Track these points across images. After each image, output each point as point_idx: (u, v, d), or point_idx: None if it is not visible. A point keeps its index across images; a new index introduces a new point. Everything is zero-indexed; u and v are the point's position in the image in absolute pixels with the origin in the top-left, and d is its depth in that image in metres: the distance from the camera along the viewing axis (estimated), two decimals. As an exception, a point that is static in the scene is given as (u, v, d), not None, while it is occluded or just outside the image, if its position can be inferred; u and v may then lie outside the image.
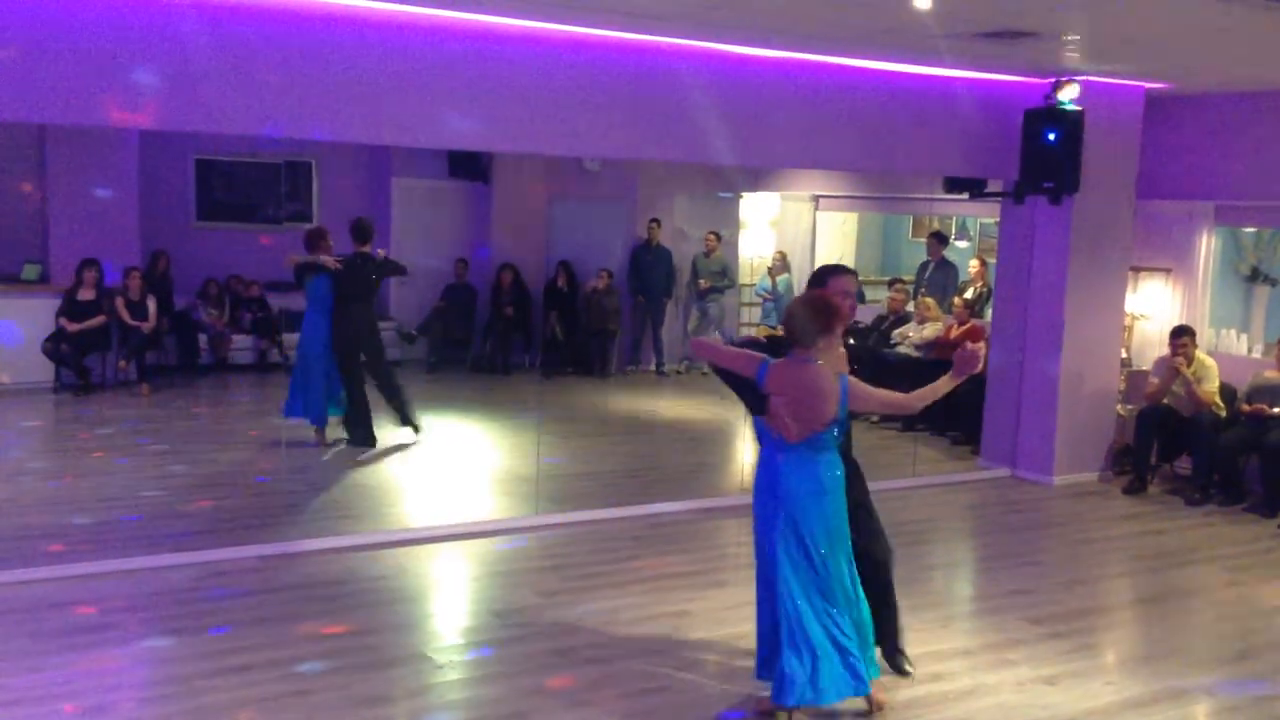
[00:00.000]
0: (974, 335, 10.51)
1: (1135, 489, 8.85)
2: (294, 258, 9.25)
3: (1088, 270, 8.88)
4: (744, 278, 14.37)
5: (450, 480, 8.66)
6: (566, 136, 7.19)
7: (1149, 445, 8.92)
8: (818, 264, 14.04)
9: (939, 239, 12.26)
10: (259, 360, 12.57)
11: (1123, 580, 7.14)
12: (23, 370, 11.02)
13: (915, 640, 5.64)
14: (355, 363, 9.18)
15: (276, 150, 13.25)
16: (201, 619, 5.64)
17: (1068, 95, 8.20)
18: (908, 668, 5.25)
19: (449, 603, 6.31)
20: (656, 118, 7.36)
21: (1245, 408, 8.60)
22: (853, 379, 4.63)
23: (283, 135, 6.54)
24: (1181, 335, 8.74)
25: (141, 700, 4.80)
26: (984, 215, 12.34)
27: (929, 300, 11.31)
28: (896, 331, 11.36)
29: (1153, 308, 9.77)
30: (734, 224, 14.49)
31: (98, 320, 11.13)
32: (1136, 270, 9.58)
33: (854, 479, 4.95)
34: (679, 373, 13.75)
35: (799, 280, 13.56)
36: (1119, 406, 9.42)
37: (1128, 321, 9.59)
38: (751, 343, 4.89)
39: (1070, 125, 8.26)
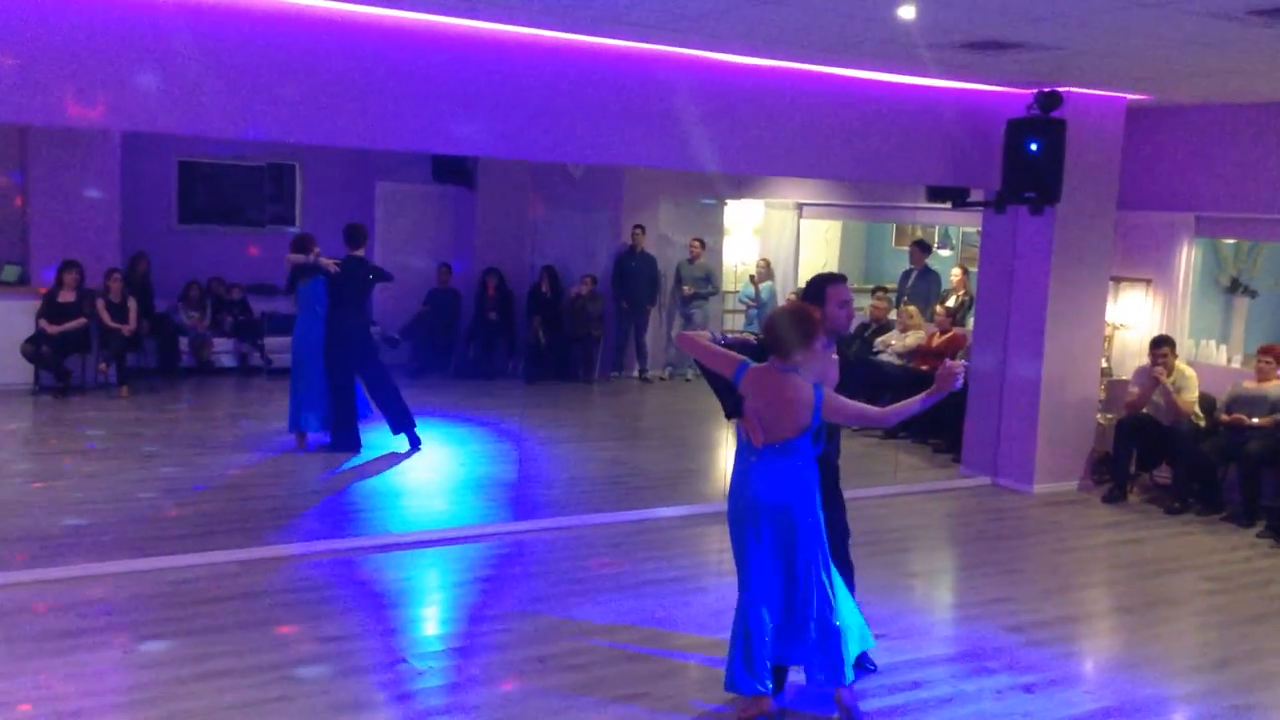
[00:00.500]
0: (956, 344, 10.57)
1: (1115, 498, 8.90)
2: (293, 258, 9.21)
3: (1069, 280, 8.93)
4: (727, 284, 14.41)
5: (433, 485, 8.64)
6: (552, 142, 7.19)
7: (1128, 454, 8.97)
8: (801, 271, 14.24)
9: (921, 247, 12.31)
10: (240, 364, 12.54)
11: (1102, 589, 7.18)
12: (2, 372, 10.96)
13: (895, 648, 5.66)
14: (347, 368, 9.15)
15: (260, 153, 13.21)
16: (181, 623, 5.61)
17: (1050, 106, 8.24)
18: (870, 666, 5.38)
19: (431, 608, 6.29)
20: (642, 124, 7.37)
21: (1224, 418, 8.66)
22: (828, 390, 4.65)
23: (269, 139, 6.52)
24: (1161, 345, 8.79)
25: (120, 705, 4.77)
26: (966, 224, 12.40)
27: (911, 308, 11.35)
28: (879, 340, 11.40)
29: (1133, 318, 9.83)
30: (718, 231, 14.52)
31: (78, 322, 11.07)
32: (1117, 280, 9.65)
33: (831, 486, 5.03)
34: (662, 379, 13.77)
35: (782, 288, 13.60)
36: (1099, 415, 9.48)
37: (1108, 331, 9.65)
38: (743, 344, 4.92)
39: (1052, 136, 8.29)
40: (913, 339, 11.02)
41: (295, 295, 9.29)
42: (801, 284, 13.95)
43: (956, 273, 11.82)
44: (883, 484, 9.16)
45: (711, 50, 7.40)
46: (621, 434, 11.47)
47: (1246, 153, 9.00)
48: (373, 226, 13.87)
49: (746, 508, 4.73)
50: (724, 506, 4.98)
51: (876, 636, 5.84)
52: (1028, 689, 5.34)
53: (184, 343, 12.25)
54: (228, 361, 12.52)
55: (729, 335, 4.97)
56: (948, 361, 4.78)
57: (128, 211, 12.00)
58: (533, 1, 5.98)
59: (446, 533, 7.31)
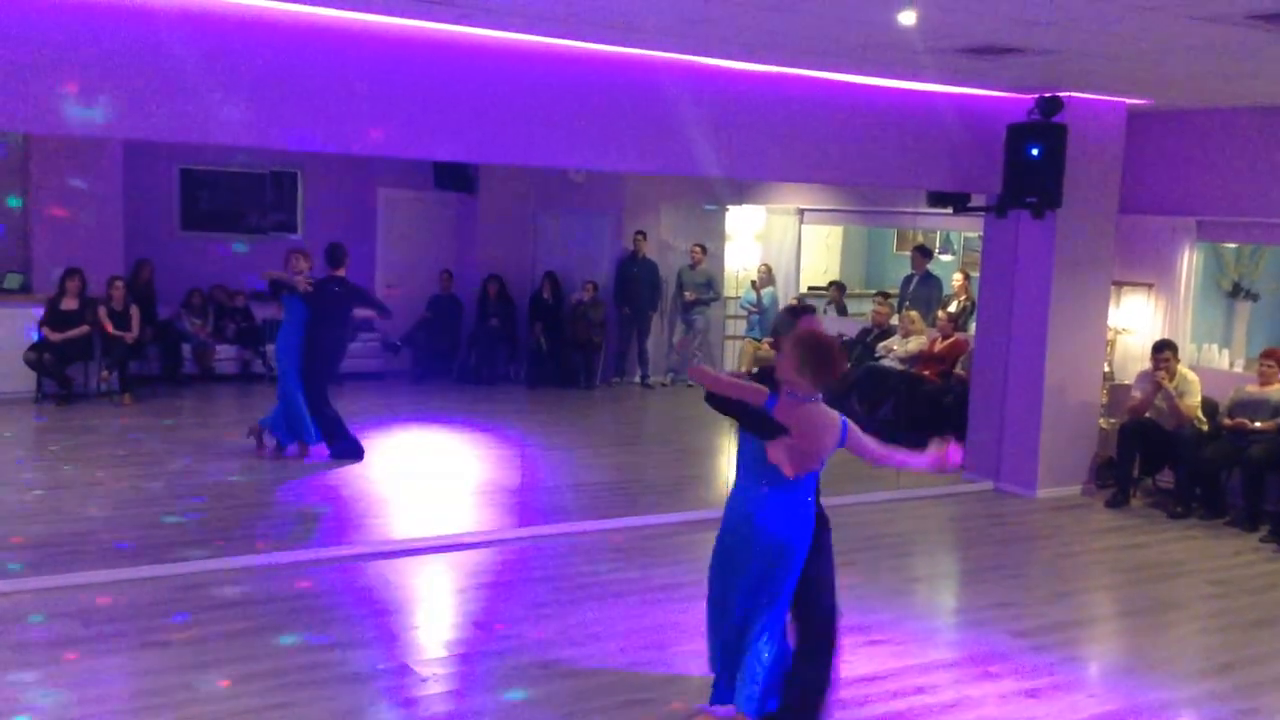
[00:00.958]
0: (958, 349, 10.57)
1: (1117, 502, 8.89)
2: (269, 273, 9.25)
3: (1071, 284, 8.93)
4: (729, 290, 14.41)
5: (434, 492, 8.64)
6: (553, 148, 7.20)
7: (1131, 459, 8.97)
8: (803, 276, 14.24)
9: (923, 253, 12.32)
10: (243, 370, 12.54)
11: (1105, 593, 7.17)
12: (4, 380, 10.97)
13: (899, 653, 5.66)
14: (323, 383, 9.13)
15: (262, 160, 13.22)
16: (184, 630, 5.61)
17: (1050, 111, 8.25)
18: None
19: (433, 615, 6.29)
20: (643, 130, 7.38)
21: (1227, 422, 8.65)
22: (852, 424, 4.44)
23: (269, 146, 6.52)
24: (1164, 350, 8.79)
25: (123, 712, 4.76)
26: (968, 229, 12.41)
27: (913, 314, 11.36)
28: (881, 345, 11.40)
29: (1135, 322, 9.83)
30: (719, 237, 14.53)
31: (81, 330, 11.08)
32: (1119, 285, 9.65)
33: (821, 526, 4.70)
34: (664, 385, 13.77)
35: (784, 293, 13.61)
36: (1101, 420, 9.47)
37: (1110, 336, 9.65)
38: (745, 376, 4.75)
39: (1053, 140, 8.31)
40: (914, 344, 11.02)
41: (280, 304, 9.28)
42: (804, 289, 14.06)
43: (958, 278, 11.82)
44: (885, 489, 9.15)
45: (713, 56, 7.41)
46: (623, 440, 11.47)
47: (1248, 157, 9.00)
48: (374, 233, 13.90)
49: (748, 535, 4.48)
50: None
51: (880, 642, 5.85)
52: (1032, 694, 5.33)
53: (186, 350, 12.26)
54: (230, 368, 12.52)
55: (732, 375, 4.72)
56: (951, 447, 4.54)
57: (130, 219, 12.01)
58: (532, 8, 5.99)
59: (449, 539, 7.31)
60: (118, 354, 11.24)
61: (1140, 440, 8.90)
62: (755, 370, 4.72)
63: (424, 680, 5.23)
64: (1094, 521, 8.53)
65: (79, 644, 5.40)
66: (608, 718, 4.91)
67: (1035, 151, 8.31)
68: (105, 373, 11.28)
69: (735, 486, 4.64)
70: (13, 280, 11.55)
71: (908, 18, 5.84)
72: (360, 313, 9.64)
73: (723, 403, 4.54)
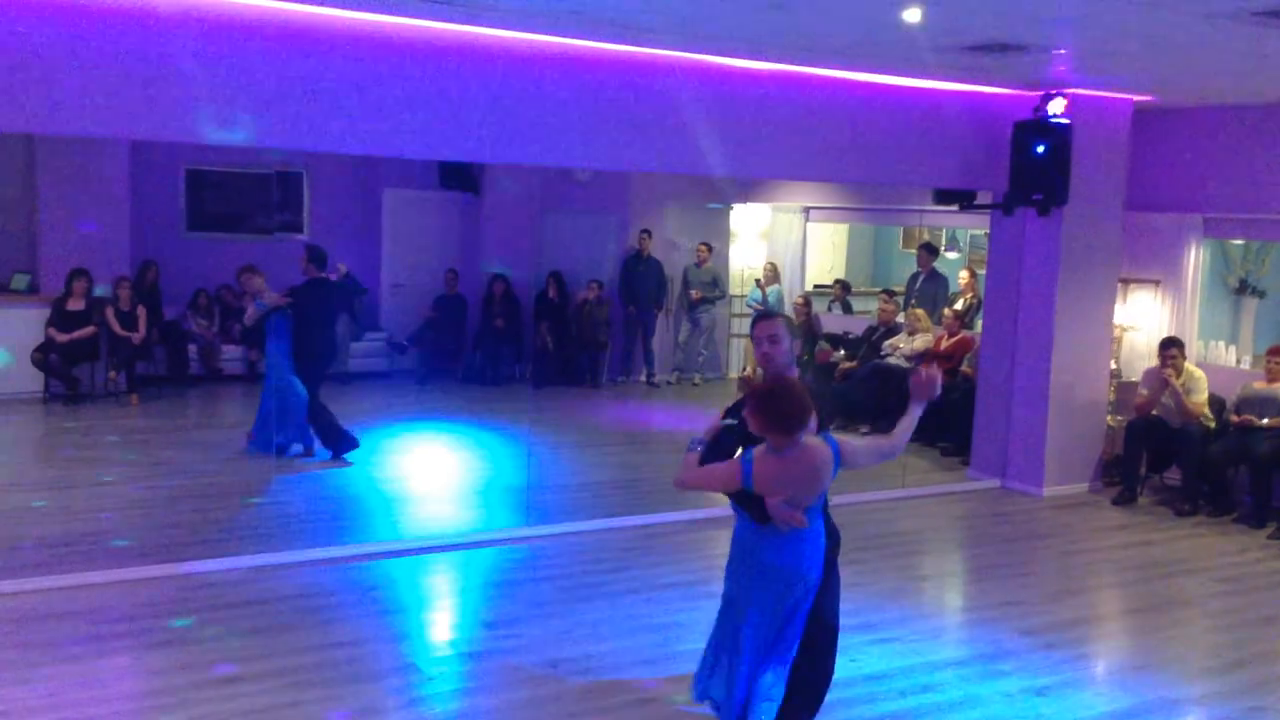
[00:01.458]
0: (964, 346, 10.55)
1: (1124, 500, 8.88)
2: (251, 317, 9.22)
3: (1077, 282, 8.91)
4: (734, 289, 14.39)
5: (441, 491, 8.64)
6: (558, 147, 7.20)
7: (1138, 456, 8.95)
8: (808, 275, 14.23)
9: (929, 250, 12.29)
10: (249, 371, 12.54)
11: (1113, 591, 7.16)
12: (11, 380, 10.97)
13: (906, 651, 5.65)
14: (316, 385, 9.13)
15: (267, 161, 13.23)
16: (192, 630, 5.62)
17: (1056, 108, 8.24)
18: None
19: (440, 614, 6.30)
20: (648, 129, 7.38)
21: (1234, 419, 8.63)
22: (841, 439, 4.28)
23: (274, 146, 6.53)
24: (1170, 347, 8.77)
25: (131, 712, 4.78)
26: (974, 227, 12.38)
27: (919, 311, 11.34)
28: (887, 343, 11.38)
29: (1142, 319, 9.81)
30: (724, 235, 14.52)
31: (87, 330, 11.10)
32: (1125, 282, 9.63)
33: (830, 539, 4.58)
34: (670, 383, 13.75)
35: (789, 291, 13.59)
36: (1108, 418, 9.45)
37: (1117, 333, 9.63)
38: (725, 430, 4.42)
39: (1059, 138, 8.29)
40: (920, 342, 11.00)
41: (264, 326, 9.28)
42: (809, 287, 14.05)
43: (964, 275, 11.79)
44: (892, 488, 9.14)
45: (718, 55, 7.41)
46: (629, 439, 11.47)
47: (1254, 153, 8.98)
48: (380, 234, 13.89)
49: (754, 572, 4.33)
50: (731, 510, 4.91)
51: (887, 640, 5.85)
52: (1039, 692, 5.32)
53: (193, 350, 12.26)
54: (236, 369, 12.52)
55: (701, 440, 4.45)
56: (922, 370, 4.46)
57: (135, 220, 12.02)
58: (538, 8, 5.99)
59: (456, 538, 7.31)
60: (124, 354, 11.25)
61: (1147, 438, 8.88)
62: (731, 407, 4.48)
63: (431, 678, 5.23)
64: (1101, 519, 8.52)
65: (86, 643, 5.41)
66: (614, 717, 4.91)
67: (1041, 148, 8.31)
68: (112, 373, 11.29)
69: (738, 527, 4.46)
70: (19, 281, 11.57)
71: (913, 15, 5.84)
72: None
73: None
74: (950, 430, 10.23)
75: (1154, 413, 8.88)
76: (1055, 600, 6.66)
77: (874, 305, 12.68)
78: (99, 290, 11.24)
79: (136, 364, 11.42)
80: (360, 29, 6.41)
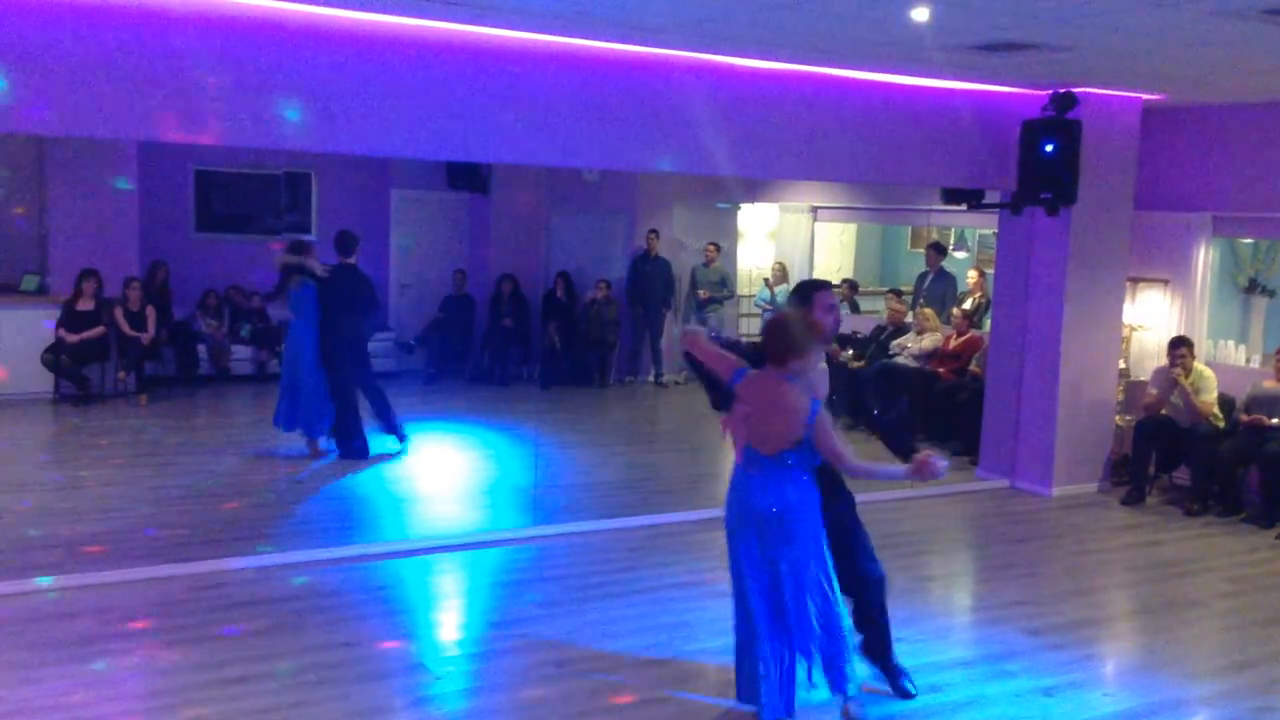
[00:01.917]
0: (972, 346, 10.54)
1: (1133, 500, 8.86)
2: (284, 258, 9.23)
3: (1086, 281, 8.89)
4: (742, 288, 14.41)
5: (448, 491, 8.66)
6: (565, 148, 7.20)
7: (1147, 456, 8.93)
8: (816, 274, 14.20)
9: (937, 250, 12.28)
10: (258, 371, 12.57)
11: (1121, 591, 7.14)
12: (21, 380, 11.03)
13: (913, 652, 5.64)
14: (345, 375, 9.16)
15: (276, 161, 13.27)
16: (200, 630, 5.63)
17: (1065, 107, 8.22)
18: (910, 688, 5.21)
19: (447, 614, 6.30)
20: (655, 129, 7.37)
21: (1243, 418, 8.61)
22: (824, 411, 4.54)
23: (282, 147, 6.54)
24: (1179, 346, 8.75)
25: (139, 712, 4.79)
26: (982, 226, 12.37)
27: (927, 311, 11.33)
28: (895, 342, 11.37)
29: (1151, 318, 9.79)
30: (733, 235, 14.52)
31: (97, 331, 11.14)
32: (1134, 281, 9.60)
33: (842, 501, 4.99)
34: (678, 383, 13.75)
35: (798, 291, 13.57)
36: (1117, 417, 9.43)
37: (1126, 332, 9.60)
38: (734, 345, 4.94)
39: (1068, 137, 8.28)
40: (929, 341, 10.99)
41: (287, 300, 9.29)
42: (816, 287, 14.02)
43: (973, 275, 11.78)
44: (899, 487, 9.12)
45: (725, 54, 7.41)
46: (637, 438, 11.48)
47: (1263, 152, 8.95)
48: (388, 234, 13.93)
49: (746, 517, 4.64)
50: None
51: (895, 640, 5.82)
52: (1047, 692, 5.31)
53: (202, 350, 12.31)
54: (245, 369, 12.56)
55: (723, 336, 4.98)
56: (933, 459, 4.62)
57: (145, 220, 12.07)
58: (545, 8, 6.00)
59: (463, 538, 7.32)
60: (134, 355, 11.30)
61: (1156, 437, 8.86)
62: (753, 347, 4.88)
63: (438, 678, 5.24)
64: (1110, 519, 8.50)
65: (95, 643, 5.42)
66: (622, 717, 4.91)
67: (1050, 148, 8.29)
68: (121, 373, 11.34)
69: (734, 475, 4.79)
70: (29, 281, 11.62)
71: (921, 14, 5.83)
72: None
73: (696, 366, 4.83)
74: (958, 430, 10.21)
75: (1163, 412, 8.86)
76: (1063, 600, 6.64)
77: (882, 305, 12.67)
78: (108, 291, 11.29)
79: (146, 364, 11.47)
80: (368, 29, 6.42)
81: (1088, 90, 8.42)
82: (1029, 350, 9.12)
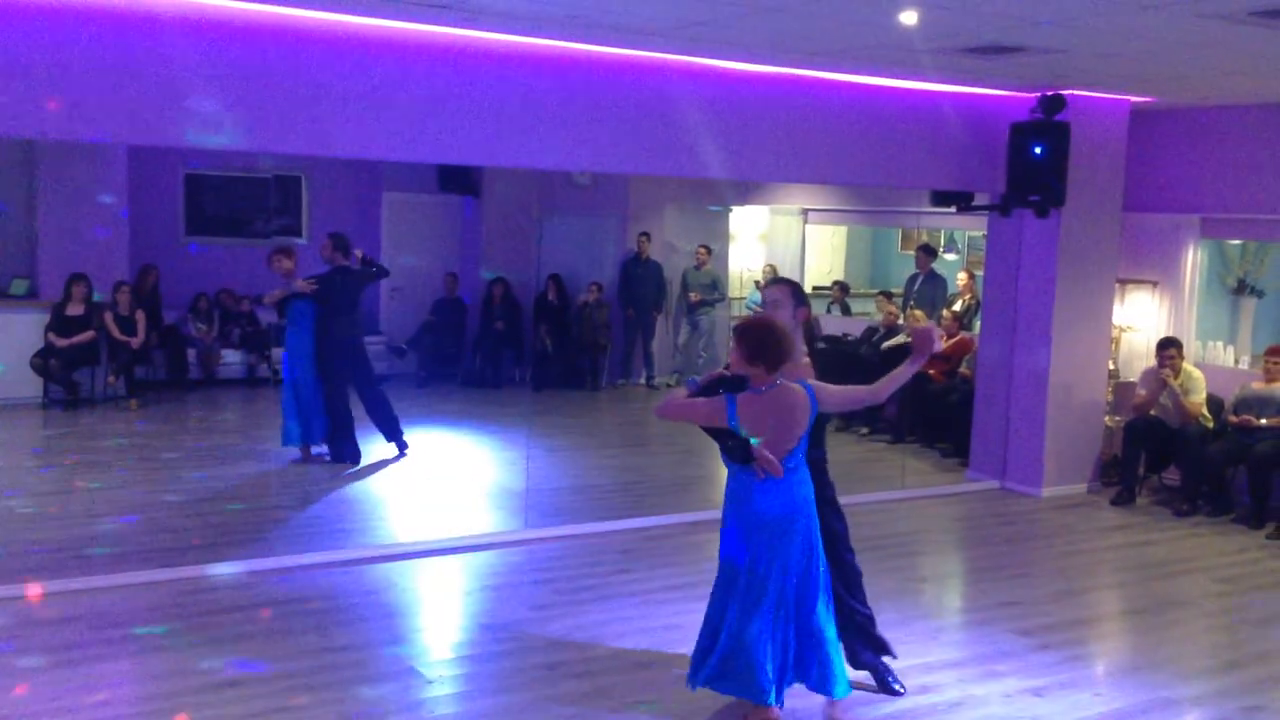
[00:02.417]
0: (963, 347, 10.57)
1: (1123, 500, 8.89)
2: (273, 296, 9.26)
3: (1075, 283, 8.93)
4: (734, 291, 14.41)
5: (440, 494, 8.65)
6: (557, 150, 7.21)
7: (1137, 457, 8.96)
8: (808, 277, 14.23)
9: (927, 252, 12.30)
10: (248, 375, 12.55)
11: (1111, 591, 7.17)
12: (11, 385, 10.99)
13: (904, 652, 5.65)
14: (341, 378, 9.16)
15: (266, 165, 13.25)
16: (192, 634, 5.63)
17: (1054, 109, 8.25)
18: (898, 687, 5.23)
19: (439, 617, 6.30)
20: (646, 132, 7.39)
21: (1232, 419, 8.64)
22: (816, 382, 4.58)
23: (271, 150, 6.54)
24: (1169, 347, 8.78)
25: (133, 716, 4.78)
26: (972, 228, 12.39)
27: (918, 313, 11.35)
28: (886, 344, 11.38)
29: (1140, 320, 9.82)
30: (723, 237, 14.53)
31: (86, 335, 11.11)
32: (1123, 283, 9.64)
33: (825, 488, 5.01)
34: (669, 385, 13.76)
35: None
36: (1107, 418, 9.46)
37: (1115, 334, 9.64)
38: (719, 379, 4.70)
39: (1056, 139, 8.30)
40: (919, 343, 10.99)
41: (284, 311, 9.31)
42: (808, 289, 14.03)
43: (963, 277, 11.80)
44: (890, 489, 9.16)
45: (716, 58, 7.43)
46: (629, 441, 11.48)
47: (1251, 153, 8.99)
48: (379, 237, 13.91)
49: (750, 523, 4.61)
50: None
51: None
52: (1037, 693, 5.33)
53: (192, 354, 12.28)
54: (235, 373, 12.54)
55: (697, 379, 4.73)
56: (920, 325, 4.78)
57: (135, 224, 12.04)
58: (536, 12, 6.00)
59: (455, 541, 7.32)
60: (124, 359, 11.27)
61: (1146, 438, 8.89)
62: (731, 372, 4.72)
63: (430, 682, 5.24)
64: (1099, 520, 8.53)
65: (88, 648, 5.42)
66: (614, 719, 4.91)
67: (1038, 150, 8.32)
68: (111, 378, 11.31)
69: (730, 479, 4.72)
70: (19, 286, 11.58)
71: (909, 18, 5.85)
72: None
73: (703, 428, 4.65)
74: (949, 431, 10.24)
75: (1152, 413, 8.89)
76: (1054, 601, 6.67)
77: (872, 307, 12.69)
78: (98, 295, 11.26)
79: (136, 368, 11.44)
80: (359, 33, 6.42)
81: (1076, 92, 8.45)
82: (1019, 352, 9.15)
